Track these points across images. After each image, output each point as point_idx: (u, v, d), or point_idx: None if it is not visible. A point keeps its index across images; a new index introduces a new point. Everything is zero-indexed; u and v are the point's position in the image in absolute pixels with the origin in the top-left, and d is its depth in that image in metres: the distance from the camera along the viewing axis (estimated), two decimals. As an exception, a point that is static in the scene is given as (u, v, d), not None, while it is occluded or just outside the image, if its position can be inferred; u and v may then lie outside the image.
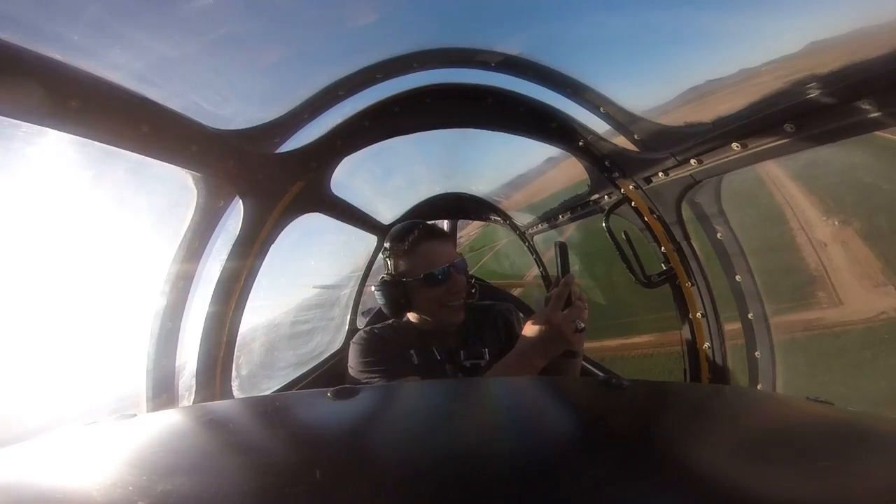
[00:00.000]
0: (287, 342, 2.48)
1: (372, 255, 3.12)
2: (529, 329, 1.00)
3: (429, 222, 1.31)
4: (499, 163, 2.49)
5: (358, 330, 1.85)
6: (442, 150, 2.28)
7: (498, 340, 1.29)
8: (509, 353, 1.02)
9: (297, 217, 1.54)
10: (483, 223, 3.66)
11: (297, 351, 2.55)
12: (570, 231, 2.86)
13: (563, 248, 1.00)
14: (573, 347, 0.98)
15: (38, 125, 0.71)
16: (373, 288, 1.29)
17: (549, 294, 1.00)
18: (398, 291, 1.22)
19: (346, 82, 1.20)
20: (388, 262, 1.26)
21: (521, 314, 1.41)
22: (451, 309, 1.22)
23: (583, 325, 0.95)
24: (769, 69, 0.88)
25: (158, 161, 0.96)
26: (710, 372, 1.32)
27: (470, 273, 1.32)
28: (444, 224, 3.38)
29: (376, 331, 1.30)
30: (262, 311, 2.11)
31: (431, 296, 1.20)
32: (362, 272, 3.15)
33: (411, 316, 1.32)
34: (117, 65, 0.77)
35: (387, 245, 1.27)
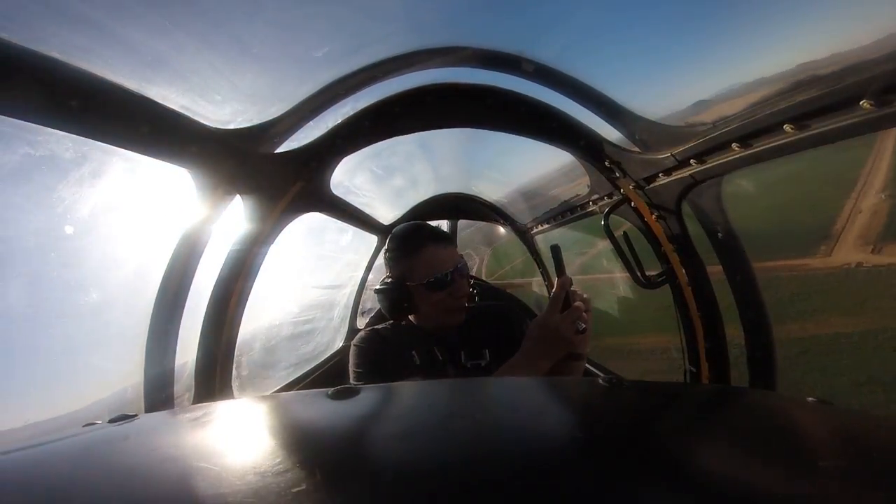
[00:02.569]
0: (287, 342, 2.48)
1: (372, 255, 3.11)
2: (531, 333, 1.00)
3: (430, 224, 1.31)
4: (499, 163, 2.49)
5: (358, 330, 1.85)
6: (442, 149, 2.28)
7: (498, 341, 1.29)
8: (513, 356, 1.02)
9: (296, 217, 1.55)
10: (483, 223, 3.66)
11: (297, 351, 2.55)
12: (570, 231, 2.86)
13: (557, 251, 1.00)
14: (576, 349, 0.97)
15: (38, 125, 0.71)
16: (374, 290, 1.28)
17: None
18: (400, 295, 1.21)
19: (346, 82, 1.20)
20: (390, 265, 1.25)
21: (522, 315, 1.41)
22: (452, 312, 1.23)
23: (584, 325, 0.94)
24: (769, 69, 0.88)
25: (158, 160, 0.96)
26: (710, 372, 1.32)
27: (470, 274, 1.32)
28: (445, 224, 3.38)
29: (377, 331, 1.30)
30: (261, 310, 2.11)
31: (434, 300, 1.20)
32: (362, 272, 3.15)
33: (412, 317, 1.32)
34: (117, 64, 0.77)
35: (389, 247, 1.26)
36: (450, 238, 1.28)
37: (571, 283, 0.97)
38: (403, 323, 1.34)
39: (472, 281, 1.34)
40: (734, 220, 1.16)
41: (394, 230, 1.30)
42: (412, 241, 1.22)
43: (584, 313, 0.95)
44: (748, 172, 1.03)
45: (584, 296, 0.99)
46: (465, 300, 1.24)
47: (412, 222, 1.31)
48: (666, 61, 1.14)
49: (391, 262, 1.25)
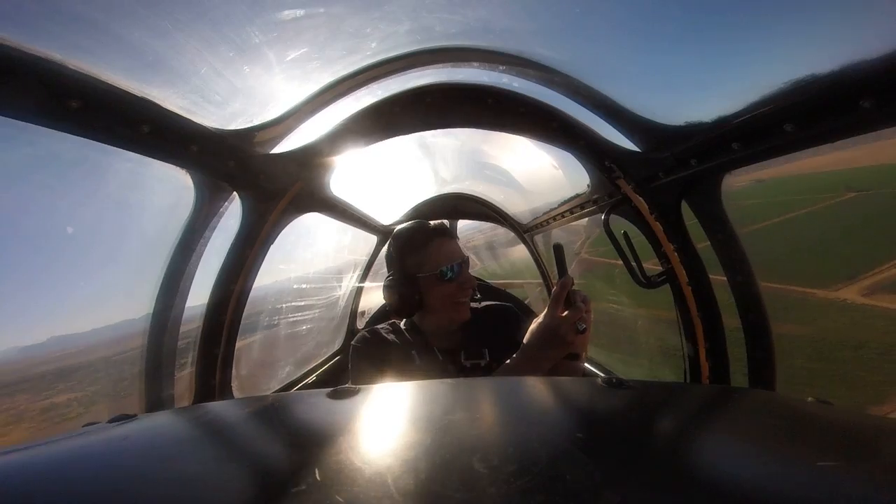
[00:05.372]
0: (287, 342, 2.48)
1: (371, 256, 3.11)
2: (531, 333, 1.00)
3: (433, 221, 1.32)
4: (499, 163, 2.49)
5: (357, 330, 1.85)
6: (442, 149, 2.28)
7: (498, 341, 1.29)
8: (513, 356, 1.02)
9: (296, 217, 1.55)
10: (483, 223, 3.66)
11: (297, 351, 2.55)
12: (570, 231, 2.86)
13: (559, 250, 0.99)
14: (575, 349, 0.97)
15: (38, 125, 0.71)
16: (383, 285, 1.28)
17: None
18: (410, 289, 1.21)
19: (345, 82, 1.20)
20: (397, 260, 1.25)
21: (522, 315, 1.41)
22: (460, 305, 1.23)
23: (584, 326, 0.94)
24: (769, 69, 0.88)
25: (158, 161, 0.97)
26: (710, 372, 1.32)
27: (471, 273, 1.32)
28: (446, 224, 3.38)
29: (377, 331, 1.30)
30: (261, 310, 2.11)
31: (443, 292, 1.20)
32: (361, 272, 3.15)
33: (415, 316, 1.32)
34: (117, 65, 0.77)
35: (395, 244, 1.27)
36: (453, 233, 1.29)
37: (573, 283, 0.97)
38: (403, 324, 1.34)
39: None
40: (734, 219, 1.16)
41: (397, 228, 1.31)
42: (420, 236, 1.23)
43: (584, 314, 0.95)
44: (749, 172, 1.03)
45: (585, 296, 0.99)
46: (473, 292, 1.25)
47: (415, 220, 1.31)
48: (666, 61, 1.14)
49: (398, 257, 1.25)
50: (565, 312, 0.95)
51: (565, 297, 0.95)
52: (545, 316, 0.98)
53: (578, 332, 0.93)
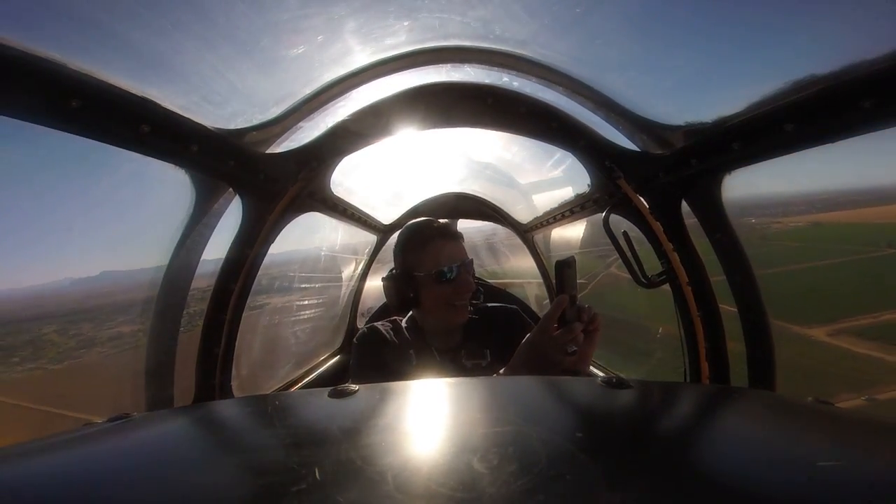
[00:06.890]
0: (287, 341, 2.48)
1: (371, 255, 3.11)
2: (519, 348, 0.96)
3: (441, 220, 1.32)
4: (499, 162, 2.49)
5: (357, 329, 1.85)
6: (442, 149, 2.28)
7: (501, 343, 1.28)
8: (502, 370, 0.99)
9: (296, 216, 1.55)
10: (483, 223, 3.66)
11: (297, 351, 2.55)
12: (570, 231, 2.85)
13: (560, 267, 0.92)
14: (570, 368, 0.93)
15: (38, 125, 0.71)
16: (382, 279, 1.29)
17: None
18: (407, 286, 1.22)
19: (345, 81, 1.20)
20: (399, 256, 1.27)
21: (526, 318, 1.40)
22: (456, 308, 1.23)
23: (574, 348, 0.88)
24: (769, 68, 0.88)
25: (158, 160, 0.97)
26: (710, 372, 1.32)
27: (474, 275, 1.31)
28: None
29: (378, 329, 1.30)
30: (261, 310, 2.11)
31: (439, 293, 1.20)
32: (361, 272, 3.15)
33: (414, 313, 1.32)
34: (117, 65, 0.77)
35: (399, 240, 1.28)
36: (458, 234, 1.29)
37: (572, 301, 0.92)
38: (404, 322, 1.34)
39: (476, 281, 1.33)
40: (734, 219, 1.16)
41: (406, 224, 1.32)
42: (421, 235, 1.24)
43: (580, 333, 0.90)
44: (751, 174, 1.03)
45: (594, 314, 0.93)
46: (470, 296, 1.25)
47: (424, 218, 1.32)
48: (666, 61, 1.14)
49: (401, 252, 1.27)
50: (557, 332, 0.90)
51: (560, 315, 0.91)
52: (533, 333, 0.94)
53: (567, 354, 0.88)
